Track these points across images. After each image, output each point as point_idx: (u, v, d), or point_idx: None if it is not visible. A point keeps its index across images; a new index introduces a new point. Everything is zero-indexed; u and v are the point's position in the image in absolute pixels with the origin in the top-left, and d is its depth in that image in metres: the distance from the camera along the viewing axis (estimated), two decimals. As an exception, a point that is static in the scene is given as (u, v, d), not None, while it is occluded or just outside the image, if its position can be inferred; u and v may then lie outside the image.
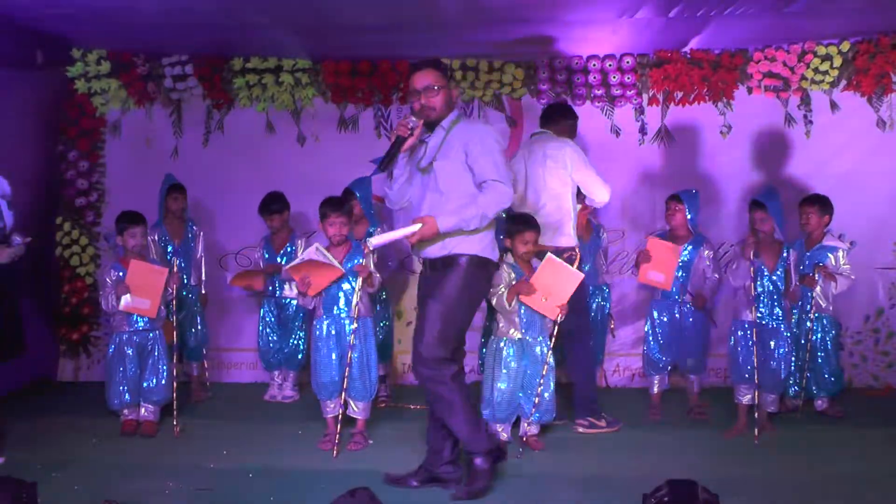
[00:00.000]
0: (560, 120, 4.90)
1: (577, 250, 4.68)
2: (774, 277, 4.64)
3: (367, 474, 3.85)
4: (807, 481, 3.86)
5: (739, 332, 4.71)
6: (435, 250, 3.70)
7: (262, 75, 5.93)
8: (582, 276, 4.39)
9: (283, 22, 5.02)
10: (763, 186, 5.01)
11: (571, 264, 4.41)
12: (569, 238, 4.69)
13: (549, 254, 4.36)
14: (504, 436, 4.44)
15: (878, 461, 4.16)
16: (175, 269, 4.75)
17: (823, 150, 5.78)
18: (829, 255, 4.91)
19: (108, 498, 3.48)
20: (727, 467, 4.08)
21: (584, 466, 4.12)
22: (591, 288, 5.34)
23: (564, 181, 4.69)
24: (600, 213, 5.94)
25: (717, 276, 5.08)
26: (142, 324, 4.70)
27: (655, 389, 5.17)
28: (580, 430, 4.70)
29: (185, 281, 5.43)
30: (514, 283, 4.34)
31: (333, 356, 4.43)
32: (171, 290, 4.71)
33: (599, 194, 4.77)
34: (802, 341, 4.93)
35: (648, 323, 5.20)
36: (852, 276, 4.91)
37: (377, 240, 3.84)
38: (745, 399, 4.62)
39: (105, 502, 3.42)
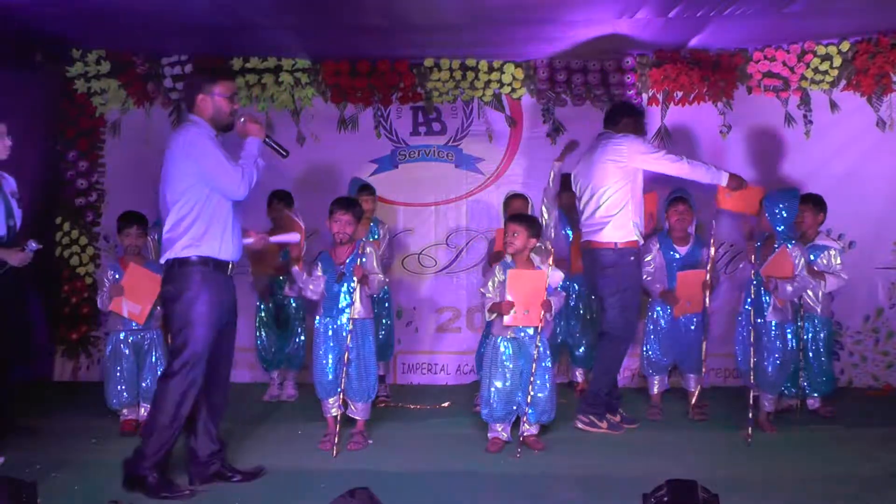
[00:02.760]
0: (619, 119, 4.81)
1: (549, 246, 4.67)
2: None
3: (367, 474, 3.86)
4: (807, 481, 3.86)
5: (741, 331, 4.73)
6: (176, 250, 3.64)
7: (262, 75, 5.94)
8: (544, 271, 4.33)
9: (283, 22, 5.02)
10: (786, 187, 5.02)
11: (548, 258, 4.40)
12: (628, 232, 4.63)
13: (508, 270, 4.37)
14: (504, 435, 4.44)
15: (878, 461, 4.16)
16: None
17: (823, 149, 5.79)
18: (822, 253, 4.91)
19: (113, 498, 3.49)
20: (727, 467, 4.07)
21: (584, 466, 4.12)
22: (575, 285, 5.40)
23: (623, 175, 4.62)
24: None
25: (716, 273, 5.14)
26: (135, 324, 4.70)
27: (655, 389, 5.17)
28: (579, 425, 4.70)
29: None
30: (503, 282, 4.38)
31: (331, 357, 4.44)
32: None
33: (675, 170, 4.63)
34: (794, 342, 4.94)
35: (649, 323, 5.20)
36: (844, 276, 4.89)
37: (276, 237, 4.06)
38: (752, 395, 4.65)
39: (111, 503, 3.44)
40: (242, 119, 3.77)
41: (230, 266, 3.77)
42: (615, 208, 4.62)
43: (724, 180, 4.61)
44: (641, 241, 4.72)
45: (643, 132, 4.96)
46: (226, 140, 3.77)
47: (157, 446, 3.63)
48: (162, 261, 3.73)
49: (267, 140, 3.84)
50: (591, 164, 4.68)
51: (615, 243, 4.63)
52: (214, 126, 3.74)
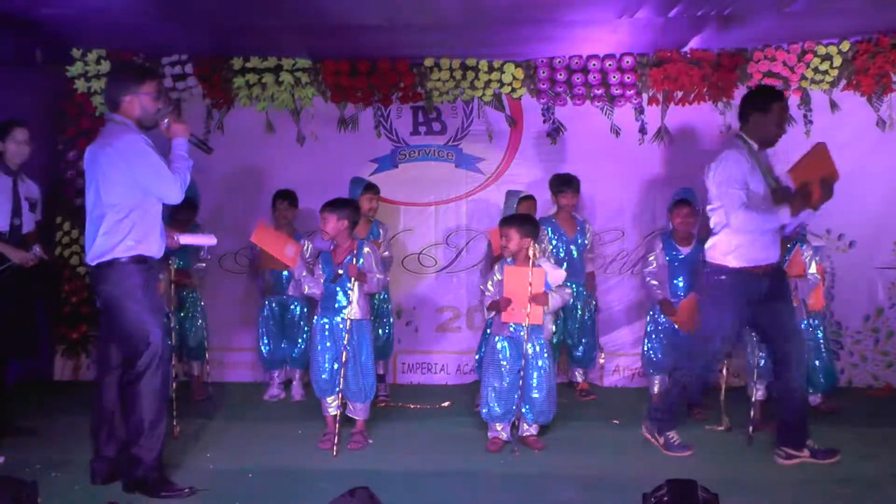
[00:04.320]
0: (748, 113, 4.14)
1: (531, 242, 4.66)
2: None
3: (366, 474, 3.86)
4: (807, 481, 3.86)
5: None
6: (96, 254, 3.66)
7: (262, 75, 5.94)
8: (541, 269, 4.31)
9: (283, 22, 5.02)
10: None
11: (533, 257, 4.37)
12: (724, 253, 4.08)
13: (504, 266, 4.39)
14: (503, 435, 4.44)
15: (878, 461, 4.16)
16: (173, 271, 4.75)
17: (823, 150, 5.78)
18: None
19: (112, 500, 3.49)
20: (727, 467, 4.08)
21: (583, 466, 4.12)
22: (572, 285, 5.37)
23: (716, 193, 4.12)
24: (598, 212, 5.95)
25: None
26: None
27: (655, 389, 5.17)
28: (646, 432, 4.40)
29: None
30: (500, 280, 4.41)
31: (326, 356, 4.44)
32: (167, 308, 4.74)
33: (733, 219, 4.00)
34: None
35: (649, 323, 5.21)
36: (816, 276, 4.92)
37: (185, 239, 4.15)
38: (758, 396, 4.67)
39: None
40: (167, 120, 3.78)
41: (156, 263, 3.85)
42: (717, 226, 4.16)
43: (786, 216, 4.01)
44: (744, 265, 4.06)
45: (780, 124, 4.15)
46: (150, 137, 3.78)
47: (149, 448, 3.65)
48: (93, 262, 3.68)
49: (192, 139, 3.88)
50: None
51: (710, 262, 4.19)
52: (140, 126, 3.74)
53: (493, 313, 4.46)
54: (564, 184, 5.42)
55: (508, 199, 5.38)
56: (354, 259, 4.43)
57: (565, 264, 5.39)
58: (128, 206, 3.64)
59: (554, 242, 5.42)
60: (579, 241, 5.48)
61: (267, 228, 4.85)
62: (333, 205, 4.50)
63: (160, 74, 3.89)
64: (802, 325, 4.66)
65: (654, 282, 5.11)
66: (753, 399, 4.65)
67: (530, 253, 4.33)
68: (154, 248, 3.73)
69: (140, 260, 3.66)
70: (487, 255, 5.38)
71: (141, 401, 3.64)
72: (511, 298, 4.32)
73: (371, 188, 5.35)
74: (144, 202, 3.67)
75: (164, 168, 3.66)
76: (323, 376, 4.44)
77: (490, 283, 4.50)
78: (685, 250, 5.09)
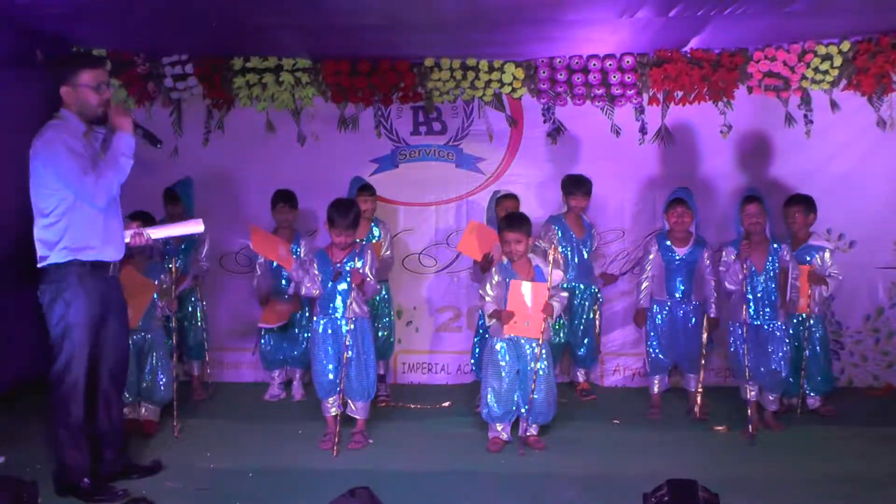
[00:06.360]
0: None
1: (546, 244, 4.63)
2: (763, 277, 4.66)
3: (367, 474, 3.86)
4: (807, 481, 3.87)
5: (738, 333, 4.74)
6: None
7: (262, 75, 5.94)
8: (545, 284, 4.31)
9: (284, 22, 5.02)
10: (748, 188, 5.06)
11: (546, 258, 4.37)
12: None
13: (511, 280, 4.37)
14: (504, 435, 4.45)
15: (878, 461, 4.17)
16: (168, 284, 4.78)
17: (824, 149, 5.78)
18: (816, 254, 4.95)
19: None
20: (727, 467, 4.08)
21: (584, 466, 4.12)
22: (580, 286, 5.37)
23: None
24: (599, 212, 5.95)
25: (714, 279, 5.07)
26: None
27: (655, 389, 5.17)
28: None
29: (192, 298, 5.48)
30: (501, 283, 4.40)
31: (330, 352, 4.45)
32: (168, 310, 4.75)
33: None
34: (796, 342, 4.97)
35: (649, 323, 5.20)
36: (839, 276, 4.96)
37: (158, 232, 4.01)
38: (751, 396, 4.66)
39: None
40: (110, 111, 3.64)
41: (111, 266, 3.70)
42: None
43: None
44: None
45: None
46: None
47: (74, 453, 3.60)
48: (40, 265, 3.60)
49: (137, 131, 3.72)
50: None
51: None
52: (85, 119, 3.60)
53: (494, 321, 4.45)
54: (575, 186, 5.39)
55: (490, 201, 5.42)
56: (356, 260, 4.43)
57: (574, 264, 5.39)
58: (59, 211, 3.52)
59: (564, 243, 5.41)
60: (588, 242, 5.48)
61: (259, 233, 4.82)
62: (348, 213, 4.43)
63: (104, 63, 3.77)
64: (789, 327, 4.69)
65: (645, 286, 5.12)
66: (750, 399, 4.66)
67: (551, 257, 4.35)
68: (96, 252, 3.58)
69: (80, 264, 3.54)
70: (473, 263, 5.36)
71: (56, 405, 3.59)
72: (514, 312, 4.31)
73: (366, 189, 5.34)
74: (77, 205, 3.52)
75: (77, 169, 3.46)
76: (329, 377, 4.44)
77: (489, 286, 4.48)
78: (682, 251, 5.07)
